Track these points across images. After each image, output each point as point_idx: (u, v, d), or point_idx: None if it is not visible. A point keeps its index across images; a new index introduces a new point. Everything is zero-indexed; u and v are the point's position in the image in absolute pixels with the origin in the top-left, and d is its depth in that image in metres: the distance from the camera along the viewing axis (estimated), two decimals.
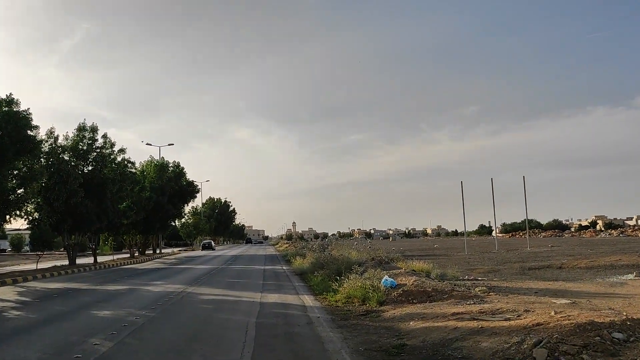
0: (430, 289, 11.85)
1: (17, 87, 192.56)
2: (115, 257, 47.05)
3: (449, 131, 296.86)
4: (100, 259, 43.20)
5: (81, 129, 32.92)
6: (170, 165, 53.57)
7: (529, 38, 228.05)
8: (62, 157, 30.88)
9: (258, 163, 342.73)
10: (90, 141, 33.11)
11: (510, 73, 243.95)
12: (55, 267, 31.94)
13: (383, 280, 12.94)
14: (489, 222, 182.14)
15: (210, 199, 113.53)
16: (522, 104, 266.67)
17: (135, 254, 48.99)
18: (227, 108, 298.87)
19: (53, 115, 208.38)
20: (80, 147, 32.75)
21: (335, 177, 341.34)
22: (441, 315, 9.52)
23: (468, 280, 19.46)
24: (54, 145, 30.96)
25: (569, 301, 10.95)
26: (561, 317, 7.75)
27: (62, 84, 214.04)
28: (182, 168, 54.89)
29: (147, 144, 57.31)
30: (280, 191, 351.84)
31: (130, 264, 38.02)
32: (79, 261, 39.16)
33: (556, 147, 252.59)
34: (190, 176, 57.51)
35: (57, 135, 31.29)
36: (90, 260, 40.33)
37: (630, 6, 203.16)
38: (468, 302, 10.91)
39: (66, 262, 34.26)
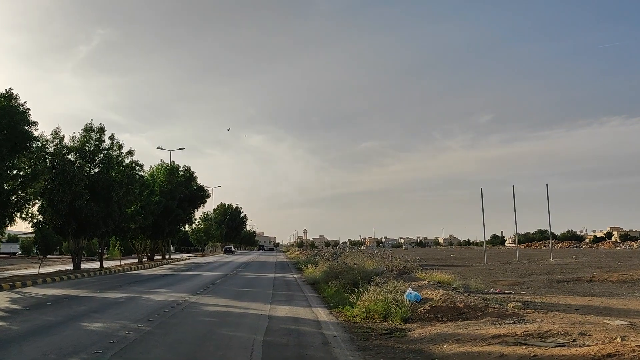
0: (461, 305, 10.43)
1: (34, 92, 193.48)
2: (123, 262, 46.00)
3: (462, 140, 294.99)
4: (107, 263, 42.16)
5: (88, 129, 31.92)
6: (181, 169, 52.56)
7: (543, 47, 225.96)
8: (67, 158, 29.83)
9: (270, 170, 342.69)
10: (97, 142, 32.10)
11: (524, 82, 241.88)
12: (59, 271, 30.87)
13: (407, 294, 11.54)
14: (502, 232, 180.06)
15: (222, 205, 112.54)
16: (536, 113, 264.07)
17: (144, 260, 47.93)
18: (240, 115, 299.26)
19: (68, 120, 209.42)
20: (87, 148, 31.74)
21: (347, 185, 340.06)
22: (480, 338, 8.10)
23: (495, 293, 17.97)
24: (59, 146, 29.95)
25: (624, 322, 9.47)
26: (636, 345, 6.31)
27: (78, 90, 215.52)
28: (193, 172, 53.94)
29: (158, 147, 56.34)
30: (292, 198, 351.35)
31: (137, 269, 36.88)
32: (86, 266, 38.20)
33: (570, 157, 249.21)
34: (202, 182, 56.57)
35: (63, 136, 30.35)
36: (97, 264, 39.49)
37: None
38: (507, 321, 9.49)
39: (72, 267, 33.19)
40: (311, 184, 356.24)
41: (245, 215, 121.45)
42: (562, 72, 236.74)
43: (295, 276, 27.05)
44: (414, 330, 9.57)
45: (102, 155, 32.25)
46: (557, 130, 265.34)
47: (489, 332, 8.43)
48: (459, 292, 12.28)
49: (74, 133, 31.97)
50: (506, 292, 18.98)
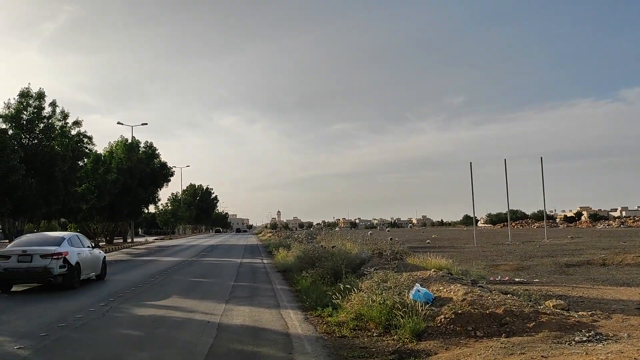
0: (500, 311, 7.07)
1: None
2: None
3: (434, 121, 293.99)
4: None
5: (24, 94, 27.59)
6: (142, 145, 48.20)
7: (515, 30, 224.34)
8: None
9: (243, 151, 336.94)
10: (36, 110, 27.84)
11: (496, 64, 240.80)
12: None
13: (413, 292, 8.13)
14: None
15: (191, 186, 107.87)
16: (507, 95, 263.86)
17: (101, 244, 43.81)
18: (212, 95, 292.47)
19: None
20: (25, 116, 27.52)
21: (321, 167, 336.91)
22: None
23: (504, 282, 14.79)
24: None
25: None
26: None
27: (44, 69, 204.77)
28: (155, 149, 49.61)
29: (118, 123, 51.64)
30: (265, 180, 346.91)
31: None
32: None
33: (539, 139, 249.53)
34: (172, 163, 52.37)
35: None
36: None
37: (615, 1, 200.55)
38: (577, 338, 6.18)
39: None
40: (285, 166, 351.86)
41: (216, 196, 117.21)
42: (533, 54, 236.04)
43: (264, 262, 23.57)
44: (436, 354, 6.18)
45: (42, 125, 28.03)
46: (527, 113, 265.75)
47: None
48: (484, 288, 8.91)
49: (9, 99, 27.66)
50: (516, 279, 15.82)
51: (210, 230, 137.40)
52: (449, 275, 10.05)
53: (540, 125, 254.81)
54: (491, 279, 15.47)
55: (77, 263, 13.97)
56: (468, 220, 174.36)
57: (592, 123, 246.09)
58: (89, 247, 15.80)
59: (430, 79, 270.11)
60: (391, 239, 23.43)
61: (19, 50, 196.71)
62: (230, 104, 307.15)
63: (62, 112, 29.42)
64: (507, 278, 16.03)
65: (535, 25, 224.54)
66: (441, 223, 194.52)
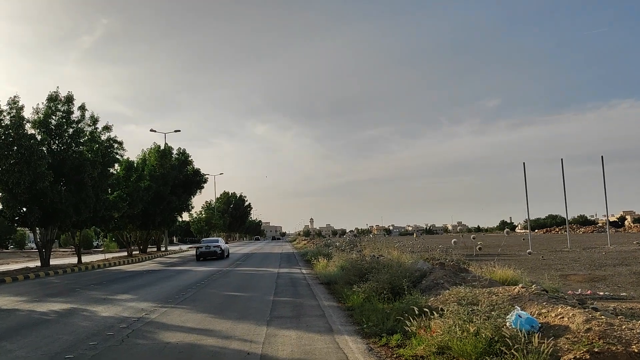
0: None
1: (37, 85, 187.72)
2: (111, 255, 41.05)
3: (469, 125, 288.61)
4: (92, 258, 37.45)
5: (53, 99, 26.62)
6: (175, 152, 47.17)
7: (550, 30, 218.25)
8: (24, 132, 24.44)
9: (276, 159, 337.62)
10: (65, 114, 26.82)
11: (532, 66, 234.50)
12: (25, 269, 25.90)
13: (512, 318, 6.21)
14: (510, 217, 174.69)
15: (225, 193, 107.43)
16: (544, 97, 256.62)
17: (134, 252, 42.83)
18: (245, 104, 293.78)
19: None
20: (53, 121, 26.53)
21: (353, 173, 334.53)
22: None
23: (587, 297, 12.64)
24: (16, 117, 24.59)
25: None
26: None
27: (82, 81, 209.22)
28: (188, 155, 48.52)
29: (151, 130, 50.88)
30: (298, 187, 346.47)
31: (123, 264, 31.79)
32: (67, 261, 33.25)
33: (579, 141, 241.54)
34: (206, 171, 51.36)
35: (22, 106, 24.88)
36: (90, 258, 36.15)
37: None
38: None
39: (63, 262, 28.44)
40: (317, 172, 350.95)
41: (249, 204, 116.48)
42: (570, 55, 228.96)
43: (303, 272, 21.79)
44: None
45: (71, 129, 27.00)
46: (566, 114, 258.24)
47: None
48: (603, 311, 6.88)
49: (37, 104, 26.70)
50: (600, 294, 13.67)
51: (244, 238, 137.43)
52: (544, 292, 8.00)
53: (578, 127, 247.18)
54: (569, 292, 13.35)
55: (223, 249, 34.18)
56: (505, 226, 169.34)
57: (635, 124, 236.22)
58: (225, 243, 36.64)
59: (464, 82, 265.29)
60: (480, 248, 21.39)
61: (58, 63, 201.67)
62: (263, 112, 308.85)
63: (92, 116, 28.44)
64: (588, 292, 13.85)
65: (571, 25, 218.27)
66: (478, 229, 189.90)
